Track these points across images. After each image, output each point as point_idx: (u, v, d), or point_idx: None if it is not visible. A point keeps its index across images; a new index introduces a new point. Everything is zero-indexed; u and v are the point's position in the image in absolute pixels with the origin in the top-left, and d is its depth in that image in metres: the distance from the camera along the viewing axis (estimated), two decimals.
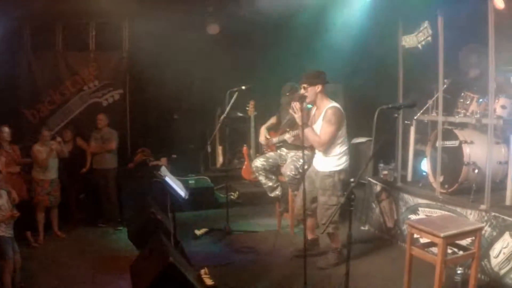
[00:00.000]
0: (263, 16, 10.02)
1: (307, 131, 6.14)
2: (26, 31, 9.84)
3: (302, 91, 6.40)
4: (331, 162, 6.39)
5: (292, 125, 7.47)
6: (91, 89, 10.35)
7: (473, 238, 5.39)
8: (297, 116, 6.15)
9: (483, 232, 5.78)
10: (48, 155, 8.10)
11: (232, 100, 7.92)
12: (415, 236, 5.63)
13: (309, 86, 6.34)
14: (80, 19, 10.08)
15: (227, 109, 7.98)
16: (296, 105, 6.15)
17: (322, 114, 6.33)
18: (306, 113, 6.50)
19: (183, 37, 10.11)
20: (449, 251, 5.64)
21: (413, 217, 7.16)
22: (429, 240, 5.42)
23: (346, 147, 6.49)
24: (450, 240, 5.18)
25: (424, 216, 6.95)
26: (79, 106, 10.26)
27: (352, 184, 4.56)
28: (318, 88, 6.33)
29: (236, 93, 7.89)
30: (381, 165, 8.52)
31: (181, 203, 6.91)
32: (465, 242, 5.70)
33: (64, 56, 10.20)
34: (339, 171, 6.40)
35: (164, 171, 6.96)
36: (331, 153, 6.37)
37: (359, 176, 4.67)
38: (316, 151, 6.62)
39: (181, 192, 6.89)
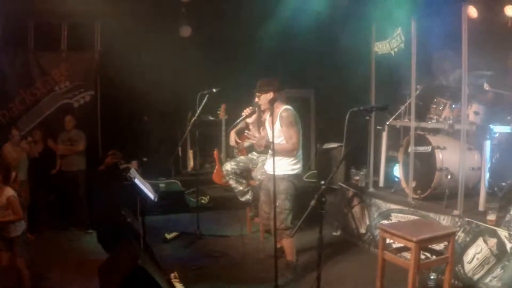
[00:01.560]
0: (236, 19, 10.04)
1: (276, 146, 6.05)
2: None
3: (256, 99, 6.29)
4: (286, 166, 6.23)
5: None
6: (62, 90, 10.19)
7: (447, 243, 5.37)
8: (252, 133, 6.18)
9: (457, 237, 5.76)
10: (19, 155, 7.94)
11: (203, 103, 7.82)
12: (388, 241, 5.60)
13: (261, 94, 6.22)
14: (52, 18, 9.92)
15: (198, 111, 7.88)
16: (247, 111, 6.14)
17: (278, 118, 6.18)
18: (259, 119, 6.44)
19: (156, 38, 10.06)
20: (422, 256, 5.60)
21: (385, 222, 7.12)
22: (401, 245, 5.39)
23: (300, 152, 6.38)
24: (423, 245, 5.16)
25: (397, 222, 6.92)
26: (50, 107, 10.09)
27: (323, 187, 4.49)
28: (271, 95, 6.15)
29: (207, 95, 7.80)
30: (353, 170, 8.51)
31: (151, 206, 6.82)
32: (438, 247, 5.69)
33: (35, 55, 10.04)
34: (294, 175, 6.29)
35: (133, 173, 6.85)
36: (285, 157, 6.23)
37: (329, 179, 4.62)
38: (268, 155, 6.54)
39: (150, 194, 6.81)
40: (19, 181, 7.92)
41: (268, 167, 6.50)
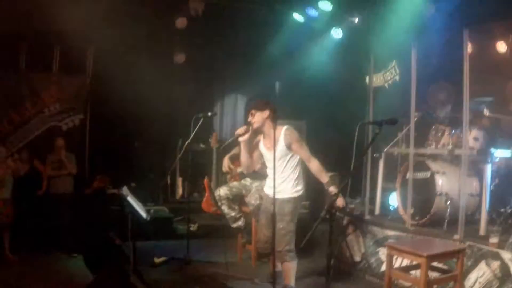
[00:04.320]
0: (230, 48, 10.09)
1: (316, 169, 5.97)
2: None
3: (250, 117, 6.09)
4: (289, 188, 6.09)
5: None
6: (51, 112, 10.08)
7: (455, 259, 5.31)
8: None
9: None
10: (4, 172, 7.76)
11: (197, 126, 7.68)
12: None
13: (256, 111, 6.03)
14: (45, 40, 9.85)
15: (192, 135, 7.71)
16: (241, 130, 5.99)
17: (281, 138, 5.99)
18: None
19: (149, 65, 9.99)
20: None
21: (382, 250, 7.04)
22: (405, 264, 5.32)
23: (302, 173, 6.24)
24: (433, 261, 5.09)
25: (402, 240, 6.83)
26: (38, 129, 9.95)
27: (334, 198, 4.43)
28: (266, 113, 5.98)
29: (202, 119, 7.67)
30: (348, 199, 8.42)
31: (138, 231, 6.66)
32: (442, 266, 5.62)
33: (26, 76, 9.97)
34: (298, 197, 6.15)
35: (125, 191, 6.70)
36: (288, 178, 6.09)
37: (341, 188, 4.58)
38: (268, 177, 6.38)
39: (143, 213, 6.64)
40: (3, 199, 7.79)
41: (269, 190, 6.23)
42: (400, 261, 6.08)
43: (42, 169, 8.85)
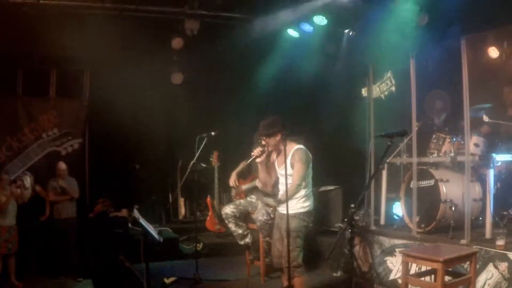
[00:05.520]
0: (228, 66, 10.17)
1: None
2: None
3: (263, 143, 6.18)
4: (297, 204, 6.11)
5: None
6: (49, 137, 10.13)
7: (469, 262, 5.42)
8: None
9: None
10: (8, 199, 7.77)
11: (202, 146, 7.76)
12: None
13: (268, 138, 6.12)
14: (41, 65, 9.94)
15: (196, 154, 7.78)
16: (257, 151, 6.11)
17: (290, 156, 6.05)
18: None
19: (146, 86, 10.10)
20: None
21: (389, 259, 7.13)
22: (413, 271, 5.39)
23: (310, 189, 6.30)
24: (448, 265, 5.18)
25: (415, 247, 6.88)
26: (37, 154, 9.99)
27: (353, 210, 4.54)
28: (278, 137, 6.07)
29: (206, 138, 7.75)
30: (353, 210, 8.48)
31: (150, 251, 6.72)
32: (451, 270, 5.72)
33: (24, 101, 10.00)
34: (305, 213, 6.15)
35: (137, 213, 6.73)
36: (297, 195, 6.11)
37: (359, 202, 4.68)
38: (279, 193, 6.39)
39: (155, 235, 6.69)
40: (7, 226, 7.80)
41: (279, 206, 6.37)
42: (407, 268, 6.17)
43: (44, 195, 8.83)
